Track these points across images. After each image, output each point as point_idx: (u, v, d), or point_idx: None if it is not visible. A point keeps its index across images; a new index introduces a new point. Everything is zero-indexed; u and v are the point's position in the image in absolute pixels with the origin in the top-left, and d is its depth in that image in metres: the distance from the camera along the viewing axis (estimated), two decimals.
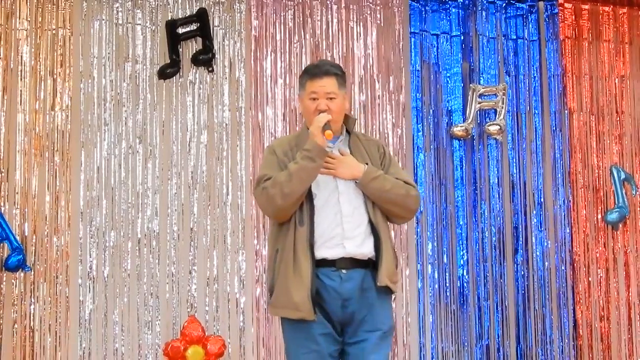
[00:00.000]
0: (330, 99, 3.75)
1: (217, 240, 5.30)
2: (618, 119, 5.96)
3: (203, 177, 5.32)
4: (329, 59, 5.51)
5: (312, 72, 3.80)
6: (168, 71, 5.33)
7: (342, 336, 3.69)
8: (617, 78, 5.98)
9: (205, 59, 5.37)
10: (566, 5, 5.94)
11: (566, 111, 5.87)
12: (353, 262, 3.69)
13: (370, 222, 3.73)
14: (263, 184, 3.69)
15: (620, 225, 5.86)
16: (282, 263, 3.67)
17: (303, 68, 5.35)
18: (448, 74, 5.75)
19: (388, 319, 3.73)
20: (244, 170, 5.38)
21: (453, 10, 5.78)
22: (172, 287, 5.22)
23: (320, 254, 3.66)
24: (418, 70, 5.68)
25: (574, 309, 5.73)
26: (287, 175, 3.62)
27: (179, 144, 5.32)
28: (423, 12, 5.74)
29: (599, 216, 5.85)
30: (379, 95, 5.60)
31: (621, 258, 5.86)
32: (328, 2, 5.59)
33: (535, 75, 5.89)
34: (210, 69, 5.39)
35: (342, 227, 3.68)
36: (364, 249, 3.71)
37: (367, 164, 3.74)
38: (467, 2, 5.80)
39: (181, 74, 5.36)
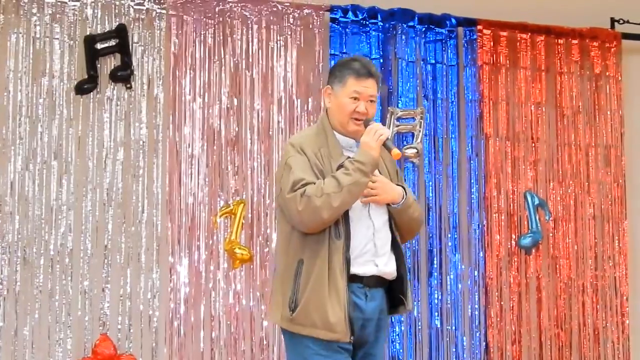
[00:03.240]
0: (371, 101, 3.83)
1: (131, 258, 5.70)
2: (533, 145, 6.52)
3: (119, 195, 5.73)
4: (248, 78, 5.98)
5: (359, 70, 3.82)
6: (85, 87, 5.71)
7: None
8: (533, 105, 6.54)
9: (123, 75, 5.78)
10: (485, 31, 6.49)
11: (482, 136, 6.41)
12: (377, 281, 3.77)
13: (395, 238, 3.83)
14: (301, 189, 3.63)
15: (533, 250, 6.43)
16: (313, 277, 3.65)
17: (219, 88, 5.90)
18: None
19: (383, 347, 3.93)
20: (160, 188, 5.79)
21: (373, 33, 6.30)
22: (85, 304, 5.61)
23: (352, 270, 3.69)
24: None
25: (485, 333, 6.28)
26: (336, 187, 3.59)
27: (95, 161, 5.71)
28: (343, 35, 6.24)
29: (513, 241, 6.42)
30: (297, 116, 6.08)
31: (533, 283, 6.43)
32: (249, 21, 6.05)
33: (453, 99, 6.42)
34: (128, 85, 5.80)
35: (373, 243, 3.75)
36: (390, 268, 3.79)
37: (403, 188, 3.86)
38: (387, 25, 6.33)
39: (99, 89, 5.75)
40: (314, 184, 3.67)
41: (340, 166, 3.73)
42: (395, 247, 3.83)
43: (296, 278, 3.69)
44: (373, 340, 3.82)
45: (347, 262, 3.67)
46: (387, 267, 3.79)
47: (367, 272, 3.74)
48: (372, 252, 3.74)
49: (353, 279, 3.70)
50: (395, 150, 3.71)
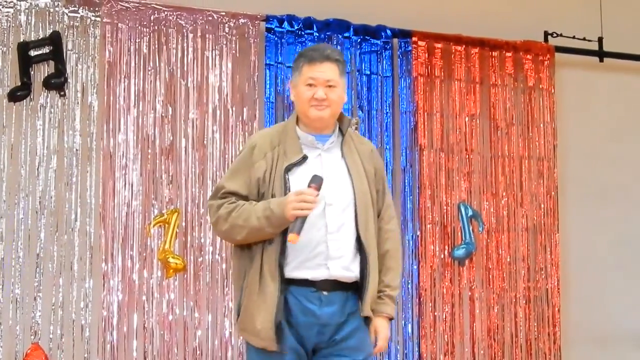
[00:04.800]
0: (330, 86, 3.79)
1: (63, 267, 5.93)
2: (467, 156, 6.88)
3: (51, 203, 5.95)
4: (183, 87, 6.26)
5: (311, 55, 3.82)
6: (18, 94, 5.91)
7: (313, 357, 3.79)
8: (467, 116, 6.91)
9: (57, 82, 5.99)
10: (420, 43, 6.85)
11: (417, 148, 6.76)
12: (335, 284, 3.73)
13: (359, 239, 3.77)
14: (219, 201, 3.77)
15: (467, 262, 6.80)
16: (248, 283, 3.74)
17: (154, 96, 6.16)
18: None
19: (369, 346, 3.83)
20: (93, 196, 6.02)
21: (309, 43, 6.59)
22: (16, 313, 5.81)
23: (299, 274, 3.70)
24: (272, 102, 6.47)
25: (419, 343, 6.62)
26: (243, 222, 3.68)
27: (28, 168, 5.92)
28: (279, 44, 6.56)
29: (446, 252, 6.78)
30: (232, 125, 6.37)
31: (466, 294, 6.79)
32: (184, 30, 6.33)
33: (387, 111, 6.76)
34: (62, 93, 6.01)
35: (326, 245, 3.72)
36: (350, 271, 3.75)
37: (386, 294, 3.90)
38: (322, 36, 6.65)
39: (32, 97, 5.96)
40: (233, 195, 3.80)
41: (293, 165, 3.77)
42: (360, 249, 3.78)
43: (241, 283, 3.79)
44: (345, 339, 3.77)
45: (280, 267, 3.67)
46: (342, 271, 3.75)
47: (317, 276, 3.72)
48: (324, 255, 3.72)
49: (304, 283, 3.70)
50: (292, 236, 3.61)
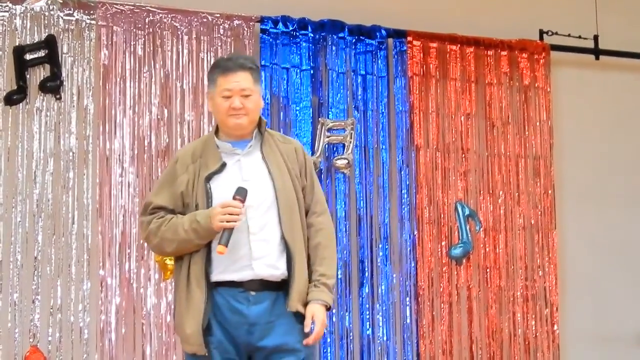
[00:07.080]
0: (246, 96, 3.91)
1: (61, 270, 6.09)
2: (463, 155, 7.07)
3: (48, 206, 6.11)
4: (179, 89, 6.43)
5: (225, 65, 3.95)
6: (14, 97, 6.08)
7: None
8: (463, 116, 7.10)
9: (53, 86, 6.16)
10: (414, 42, 7.03)
11: (413, 147, 6.93)
12: (263, 284, 3.86)
13: (284, 237, 3.89)
14: (148, 217, 3.97)
15: (464, 261, 6.97)
16: (177, 289, 3.94)
17: (150, 98, 6.34)
18: (297, 108, 6.72)
19: (302, 346, 3.88)
20: (90, 199, 6.19)
21: (304, 44, 6.80)
22: (15, 316, 5.98)
23: (225, 277, 3.85)
24: (267, 103, 6.61)
25: (417, 343, 6.79)
26: (172, 235, 3.86)
27: (25, 172, 6.08)
28: (274, 46, 6.73)
29: (444, 251, 6.95)
30: None
31: (464, 293, 6.96)
32: (179, 32, 6.50)
33: (383, 110, 6.94)
34: (58, 96, 6.17)
35: (249, 247, 3.85)
36: (275, 269, 3.87)
37: (321, 282, 3.91)
38: (317, 37, 6.84)
39: (28, 100, 6.13)
40: (161, 210, 3.99)
41: (213, 174, 3.94)
42: (286, 247, 3.90)
43: (175, 294, 4.02)
44: (278, 345, 3.88)
45: (206, 274, 3.85)
46: (270, 270, 3.88)
47: (243, 277, 3.86)
48: (248, 256, 3.86)
49: (231, 284, 3.85)
50: (220, 247, 3.78)
